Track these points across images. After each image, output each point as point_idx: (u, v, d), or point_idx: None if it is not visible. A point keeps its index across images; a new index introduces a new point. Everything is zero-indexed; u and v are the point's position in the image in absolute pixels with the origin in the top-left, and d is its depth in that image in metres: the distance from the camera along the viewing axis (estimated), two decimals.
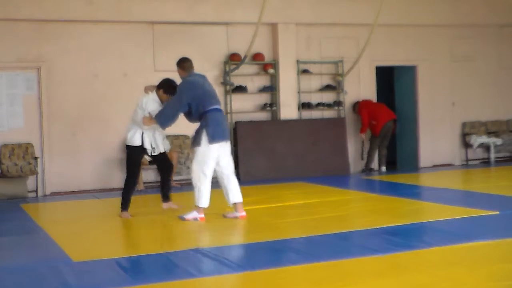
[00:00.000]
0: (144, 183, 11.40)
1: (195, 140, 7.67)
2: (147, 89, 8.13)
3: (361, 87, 13.22)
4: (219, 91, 11.05)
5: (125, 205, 8.16)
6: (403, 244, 6.08)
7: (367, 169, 12.92)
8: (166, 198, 8.50)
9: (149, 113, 7.90)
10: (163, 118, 7.75)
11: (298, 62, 12.58)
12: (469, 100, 14.11)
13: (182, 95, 7.65)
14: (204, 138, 7.54)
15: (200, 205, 7.64)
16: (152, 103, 7.95)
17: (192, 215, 7.68)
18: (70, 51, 11.21)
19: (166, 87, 7.96)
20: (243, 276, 5.17)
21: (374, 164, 13.16)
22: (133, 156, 8.15)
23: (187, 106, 7.65)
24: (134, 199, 10.54)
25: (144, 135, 7.98)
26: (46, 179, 11.06)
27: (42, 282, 5.21)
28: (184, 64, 7.88)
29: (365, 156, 13.02)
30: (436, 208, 8.22)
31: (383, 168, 13.01)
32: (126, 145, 8.17)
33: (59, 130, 11.16)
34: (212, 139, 7.52)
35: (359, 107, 12.93)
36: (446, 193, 9.65)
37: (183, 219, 7.69)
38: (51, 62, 11.11)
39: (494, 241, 6.06)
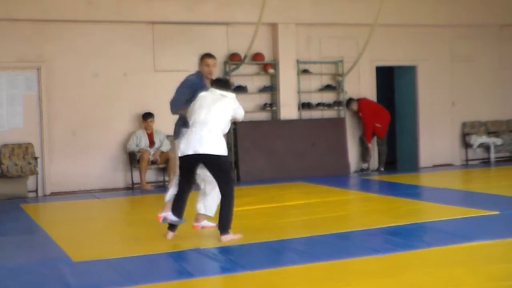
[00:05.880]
0: (148, 182, 11.38)
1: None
2: None
3: (361, 87, 13.22)
4: None
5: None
6: (403, 244, 6.08)
7: (380, 168, 12.97)
8: None
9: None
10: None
11: (298, 62, 12.57)
12: (469, 100, 14.10)
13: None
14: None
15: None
16: None
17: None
18: (70, 51, 11.20)
19: None
20: (243, 276, 5.17)
21: (374, 165, 13.18)
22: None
23: None
24: (135, 199, 10.59)
25: None
26: (46, 179, 11.05)
27: (42, 282, 5.22)
28: None
29: (369, 158, 13.00)
30: (436, 208, 8.22)
31: (367, 166, 13.06)
32: (224, 155, 6.53)
33: (59, 130, 11.16)
34: None
35: (360, 106, 12.86)
36: (446, 193, 9.65)
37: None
38: (51, 62, 11.10)
39: (494, 241, 6.06)
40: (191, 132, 6.52)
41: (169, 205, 6.67)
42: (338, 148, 12.76)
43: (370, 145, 12.93)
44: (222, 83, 6.82)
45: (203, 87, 6.93)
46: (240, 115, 6.78)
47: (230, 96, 6.73)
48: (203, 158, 6.45)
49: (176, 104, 7.01)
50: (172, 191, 6.78)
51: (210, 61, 7.12)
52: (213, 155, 6.42)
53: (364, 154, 13.03)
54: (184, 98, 6.93)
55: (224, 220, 6.47)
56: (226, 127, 6.61)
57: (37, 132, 11.08)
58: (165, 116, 8.13)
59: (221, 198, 6.56)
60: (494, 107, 14.36)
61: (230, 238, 6.45)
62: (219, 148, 6.45)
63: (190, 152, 6.44)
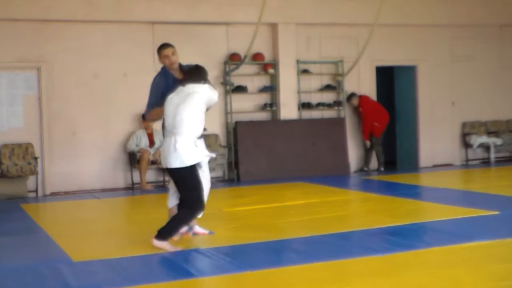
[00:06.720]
0: (148, 182, 11.38)
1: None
2: None
3: (361, 87, 13.22)
4: (219, 91, 10.98)
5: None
6: (403, 244, 6.07)
7: (380, 169, 12.96)
8: None
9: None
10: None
11: (298, 62, 12.57)
12: (469, 100, 14.11)
13: None
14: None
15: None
16: None
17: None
18: (70, 51, 11.21)
19: None
20: (243, 276, 5.16)
21: (373, 165, 13.18)
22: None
23: None
24: (135, 199, 10.59)
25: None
26: (46, 179, 11.05)
27: (42, 282, 5.21)
28: None
29: (370, 161, 13.02)
30: (436, 208, 8.22)
31: (365, 168, 13.06)
32: (189, 167, 6.16)
33: (59, 130, 11.16)
34: None
35: (360, 102, 12.86)
36: (445, 193, 9.65)
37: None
38: (51, 62, 11.10)
39: (494, 241, 6.06)
40: (164, 142, 6.30)
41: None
42: (338, 148, 12.76)
43: (368, 142, 12.92)
44: (193, 76, 6.23)
45: (173, 83, 6.47)
46: (214, 100, 6.31)
47: (201, 90, 6.16)
48: (171, 171, 6.19)
49: (148, 112, 6.71)
50: (173, 197, 6.60)
51: (167, 51, 6.54)
52: (176, 168, 6.08)
53: (368, 158, 13.03)
54: (156, 102, 6.52)
55: (168, 227, 6.12)
56: (199, 127, 6.14)
57: (37, 132, 11.08)
58: None
59: (182, 207, 6.21)
60: (494, 107, 14.36)
61: (163, 246, 6.06)
62: (184, 159, 6.04)
63: (164, 166, 6.32)
